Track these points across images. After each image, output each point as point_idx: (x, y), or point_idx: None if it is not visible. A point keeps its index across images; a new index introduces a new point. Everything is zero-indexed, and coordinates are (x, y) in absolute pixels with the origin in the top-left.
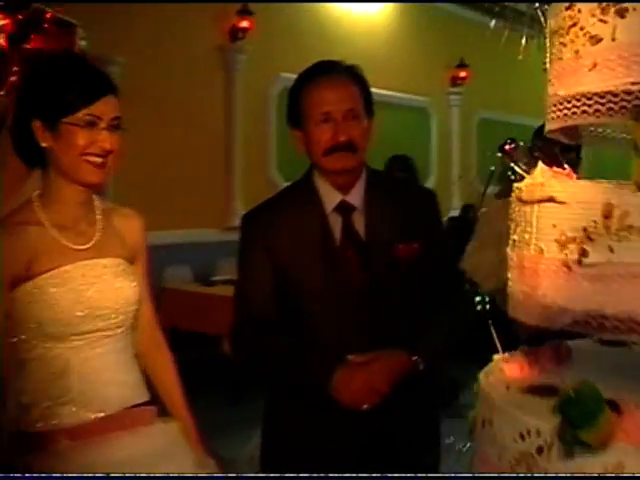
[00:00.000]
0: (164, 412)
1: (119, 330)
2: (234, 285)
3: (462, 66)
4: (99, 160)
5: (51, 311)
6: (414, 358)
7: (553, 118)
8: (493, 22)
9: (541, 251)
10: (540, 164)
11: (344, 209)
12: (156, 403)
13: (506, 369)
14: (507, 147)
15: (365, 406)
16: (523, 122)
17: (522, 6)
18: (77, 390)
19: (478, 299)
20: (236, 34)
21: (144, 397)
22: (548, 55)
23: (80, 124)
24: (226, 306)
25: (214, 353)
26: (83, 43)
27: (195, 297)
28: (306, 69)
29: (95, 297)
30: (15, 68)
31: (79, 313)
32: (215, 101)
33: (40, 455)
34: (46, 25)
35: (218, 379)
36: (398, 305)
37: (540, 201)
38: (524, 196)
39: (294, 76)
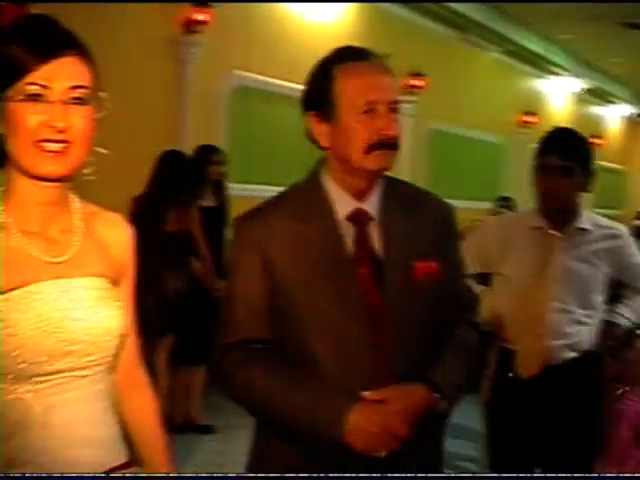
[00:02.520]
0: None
1: (96, 370)
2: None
3: (417, 75)
4: (56, 146)
5: (9, 343)
6: (436, 396)
7: None
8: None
9: None
10: None
11: (359, 219)
12: (135, 464)
13: None
14: None
15: (383, 453)
16: (475, 136)
17: (481, 18)
18: (37, 448)
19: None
20: (190, 26)
21: (121, 458)
22: None
23: (22, 97)
24: None
25: None
26: None
27: None
28: (334, 53)
29: (70, 328)
30: None
31: (47, 347)
32: (164, 94)
33: None
34: None
35: None
36: (415, 331)
37: None
38: None
39: (248, 74)
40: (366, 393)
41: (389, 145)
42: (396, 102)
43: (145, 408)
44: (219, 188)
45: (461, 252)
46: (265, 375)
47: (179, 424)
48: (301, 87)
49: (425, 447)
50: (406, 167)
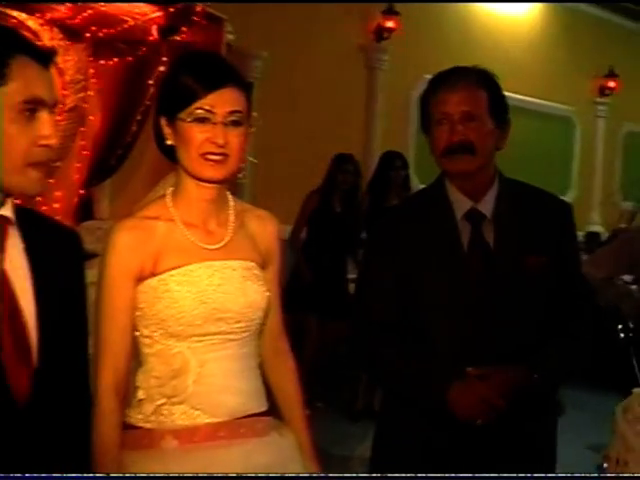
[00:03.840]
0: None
1: (243, 335)
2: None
3: (611, 76)
4: (217, 157)
5: (174, 309)
6: (535, 376)
7: None
8: None
9: None
10: None
11: (474, 217)
12: (273, 414)
13: None
14: None
15: (479, 421)
16: None
17: None
18: (192, 392)
19: (620, 326)
20: (381, 34)
21: (261, 407)
22: None
23: (192, 119)
24: None
25: None
26: (230, 37)
27: None
28: (434, 75)
29: (220, 299)
30: (164, 59)
31: (202, 314)
32: (356, 100)
33: (145, 453)
34: (196, 18)
35: None
36: (521, 319)
37: None
38: None
39: None
40: (470, 369)
41: (460, 149)
42: (470, 111)
43: (286, 372)
44: (403, 190)
45: (576, 247)
46: (389, 351)
47: (359, 410)
48: None
49: (535, 426)
50: (599, 169)
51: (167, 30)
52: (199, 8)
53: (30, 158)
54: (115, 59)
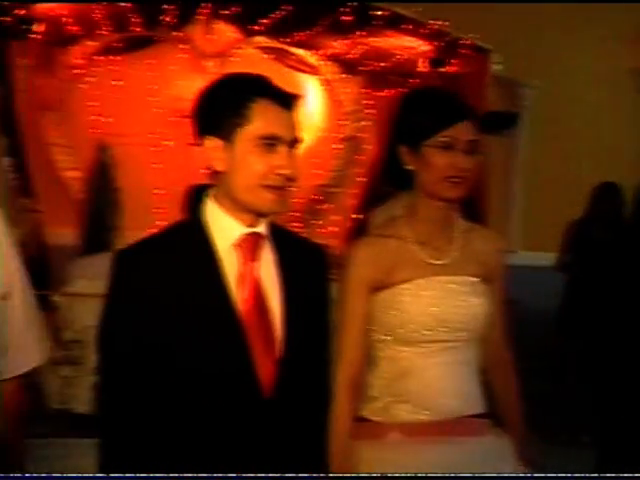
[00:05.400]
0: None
1: (463, 343)
2: None
3: None
4: (457, 180)
5: (403, 318)
6: None
7: None
8: None
9: None
10: None
11: None
12: (491, 417)
13: None
14: None
15: None
16: None
17: None
18: (416, 392)
19: None
20: None
21: (478, 409)
22: None
23: (438, 146)
24: None
25: None
26: (497, 67)
27: None
28: None
29: (444, 311)
30: None
31: (427, 323)
32: (628, 125)
33: (373, 443)
34: (462, 51)
35: None
36: None
37: None
38: None
39: None
40: None
41: None
42: None
43: (507, 382)
44: None
45: None
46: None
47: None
48: None
49: None
50: None
51: (436, 62)
52: (466, 41)
53: (265, 181)
54: (389, 90)
